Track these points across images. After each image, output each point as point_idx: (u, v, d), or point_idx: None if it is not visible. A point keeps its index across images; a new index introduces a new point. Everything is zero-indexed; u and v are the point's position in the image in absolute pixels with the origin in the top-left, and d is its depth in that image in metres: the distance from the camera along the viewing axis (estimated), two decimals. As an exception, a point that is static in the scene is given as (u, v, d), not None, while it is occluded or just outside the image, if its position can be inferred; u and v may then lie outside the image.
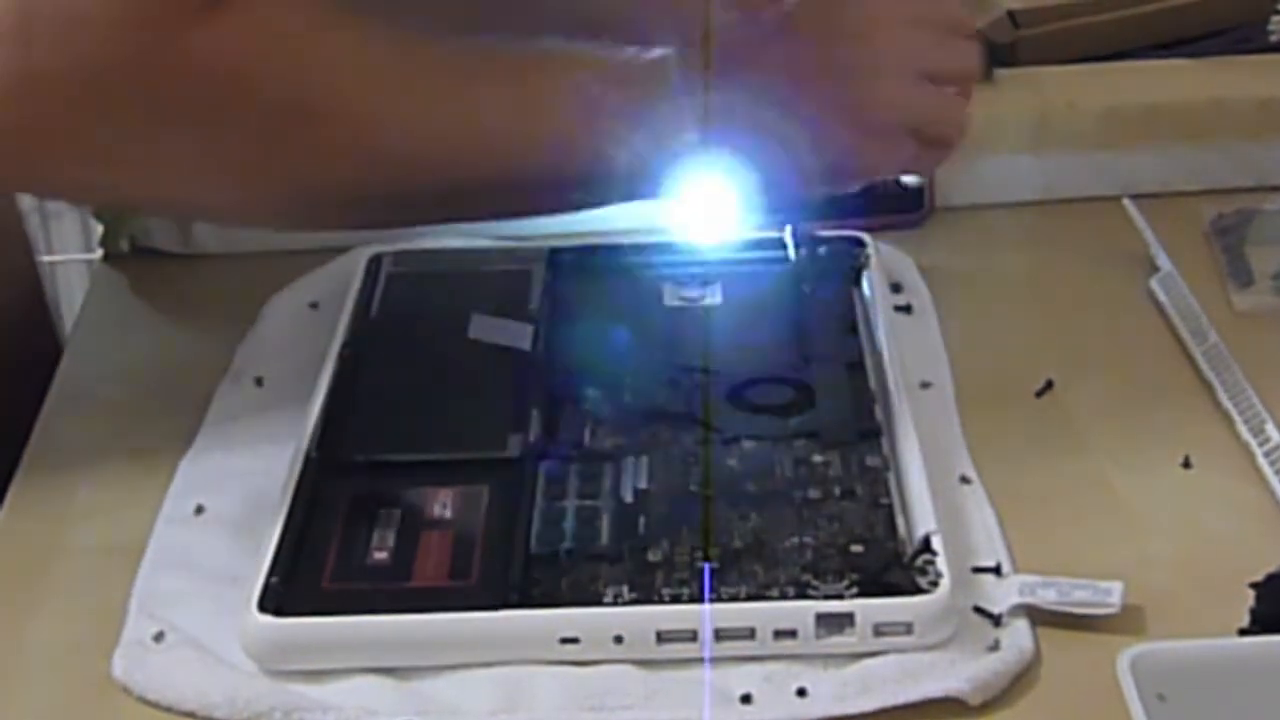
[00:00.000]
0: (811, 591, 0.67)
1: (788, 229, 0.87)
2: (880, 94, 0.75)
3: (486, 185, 0.74)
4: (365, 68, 0.72)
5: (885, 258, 0.89)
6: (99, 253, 0.96)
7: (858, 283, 0.87)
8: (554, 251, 0.89)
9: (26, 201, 1.84)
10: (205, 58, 0.68)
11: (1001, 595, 0.68)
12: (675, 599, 0.67)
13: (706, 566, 0.68)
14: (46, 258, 1.91)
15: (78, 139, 0.70)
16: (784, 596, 0.67)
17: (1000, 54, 1.03)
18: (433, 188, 0.74)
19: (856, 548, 0.69)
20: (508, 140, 0.73)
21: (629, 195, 0.76)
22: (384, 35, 0.72)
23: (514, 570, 0.68)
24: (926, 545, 0.68)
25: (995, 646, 0.66)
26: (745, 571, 0.68)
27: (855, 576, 0.67)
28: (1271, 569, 0.67)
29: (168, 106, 0.69)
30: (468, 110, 0.73)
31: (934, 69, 0.77)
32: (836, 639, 0.66)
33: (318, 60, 0.71)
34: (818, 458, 0.75)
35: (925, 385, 0.81)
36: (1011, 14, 1.04)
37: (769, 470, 0.74)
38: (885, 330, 0.82)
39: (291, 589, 0.68)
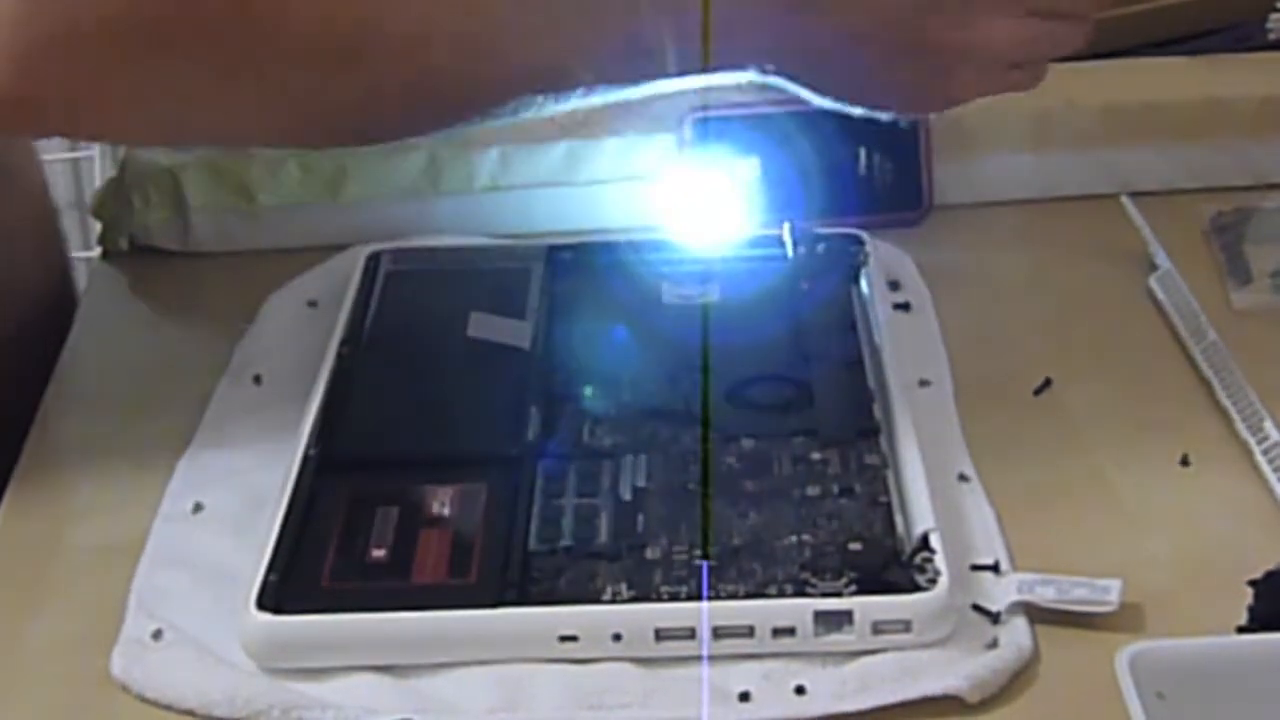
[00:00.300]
0: (810, 589, 0.67)
1: (786, 226, 0.87)
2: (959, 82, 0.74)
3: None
4: None
5: (884, 255, 0.89)
6: (98, 251, 0.96)
7: (856, 281, 0.87)
8: (553, 250, 0.89)
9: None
10: None
11: (1000, 593, 0.68)
12: (674, 597, 0.67)
13: (705, 564, 0.68)
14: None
15: (118, 87, 0.68)
16: (782, 594, 0.67)
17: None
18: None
19: (855, 546, 0.69)
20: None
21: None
22: None
23: (513, 568, 0.68)
24: (925, 543, 0.68)
25: (994, 644, 0.66)
26: (744, 569, 0.68)
27: (854, 574, 0.68)
28: (1270, 567, 0.67)
29: (200, 46, 0.67)
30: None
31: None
32: (835, 637, 0.66)
33: None
34: (816, 456, 0.75)
35: (924, 383, 0.81)
36: (1010, 12, 1.04)
37: (767, 468, 0.74)
38: (884, 328, 0.82)
39: (290, 587, 0.68)
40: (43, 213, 0.96)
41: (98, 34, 0.67)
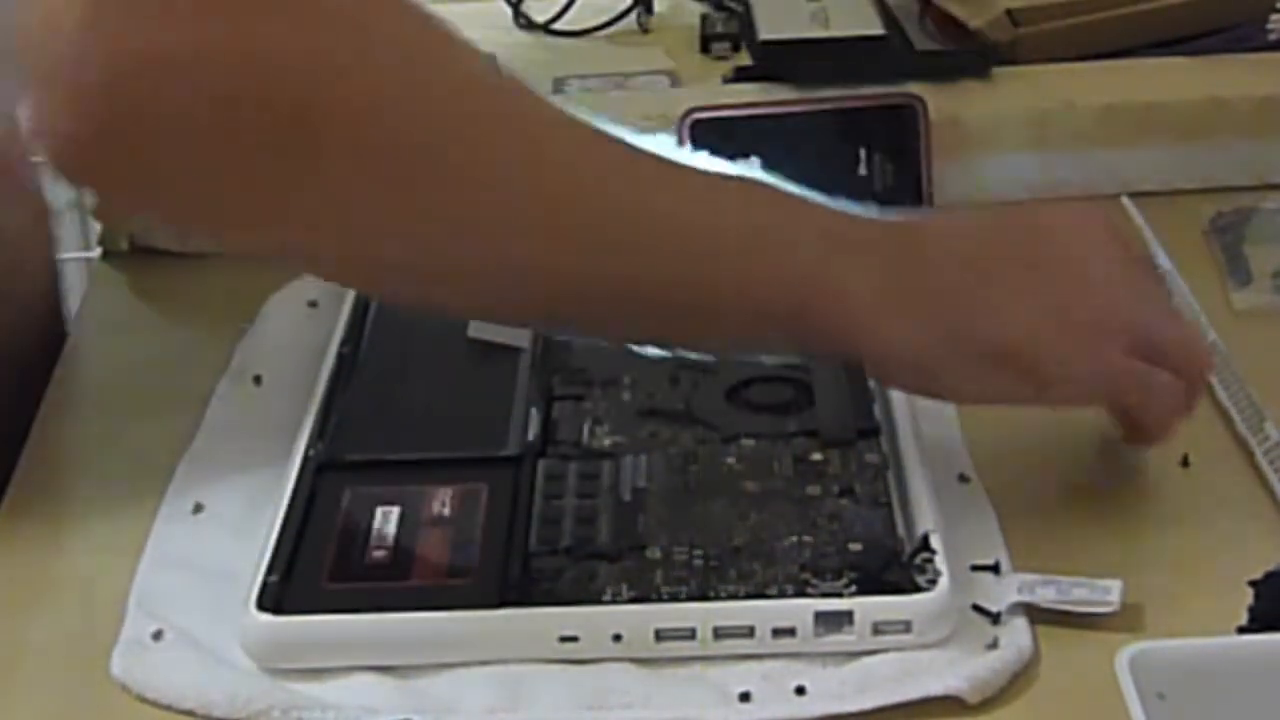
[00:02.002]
0: (810, 590, 0.67)
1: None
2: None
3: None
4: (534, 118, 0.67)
5: (884, 256, 0.89)
6: (98, 251, 0.96)
7: (857, 281, 0.86)
8: (553, 250, 0.89)
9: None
10: (275, 57, 0.62)
11: (1000, 593, 0.68)
12: (674, 597, 0.67)
13: (705, 565, 0.68)
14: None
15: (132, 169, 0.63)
16: (783, 595, 0.67)
17: (999, 52, 1.03)
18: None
19: (855, 546, 0.69)
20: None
21: None
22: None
23: (513, 569, 0.68)
24: (925, 543, 0.68)
25: (994, 645, 0.66)
26: (744, 570, 0.68)
27: (854, 575, 0.67)
28: (1270, 567, 0.67)
29: (229, 118, 0.62)
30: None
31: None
32: (835, 637, 0.66)
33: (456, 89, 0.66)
34: (816, 456, 0.75)
35: (924, 384, 0.81)
36: (1010, 12, 1.04)
37: (768, 469, 0.74)
38: (884, 328, 0.82)
39: (290, 587, 0.68)
40: (41, 214, 0.96)
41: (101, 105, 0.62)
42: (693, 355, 0.76)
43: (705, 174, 0.70)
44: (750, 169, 0.71)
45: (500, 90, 0.67)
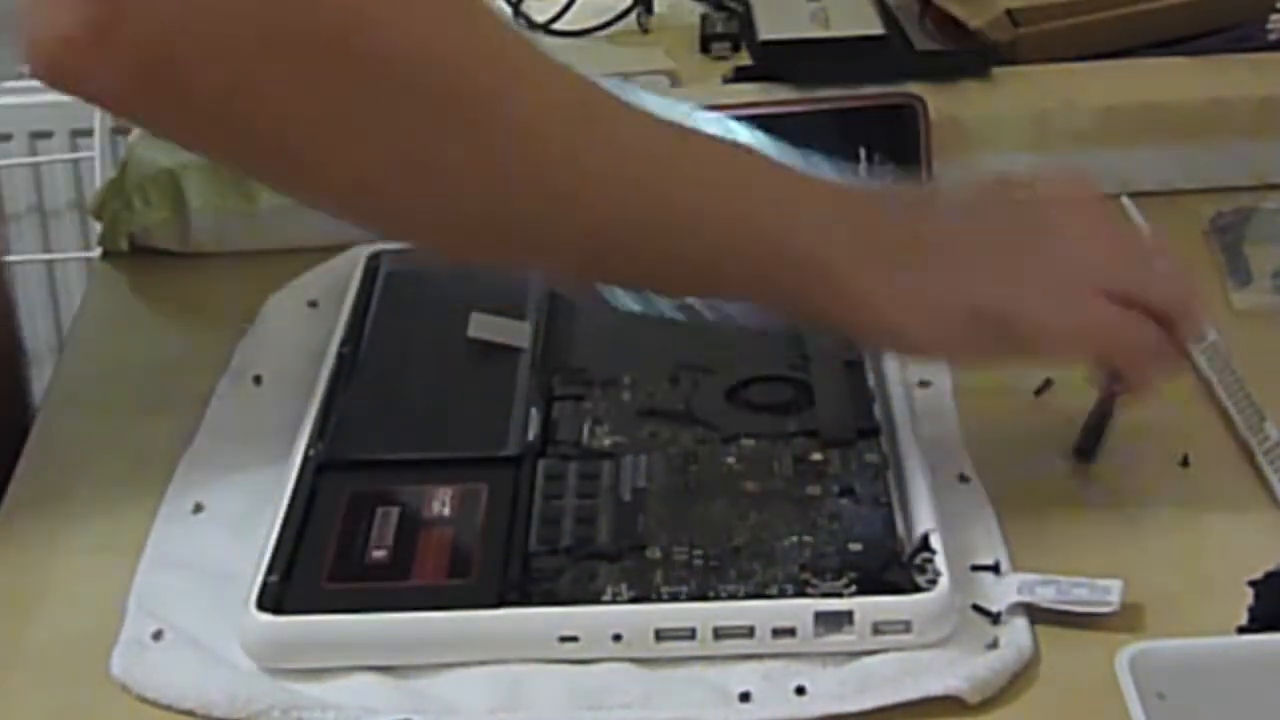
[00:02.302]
0: (810, 590, 0.67)
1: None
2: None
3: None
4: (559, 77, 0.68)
5: (884, 256, 0.89)
6: (98, 251, 0.96)
7: (857, 281, 0.86)
8: (553, 250, 0.89)
9: (21, 202, 1.84)
10: None
11: (1000, 593, 0.68)
12: (674, 597, 0.67)
13: (705, 565, 0.68)
14: (44, 256, 1.92)
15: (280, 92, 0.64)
16: (783, 595, 0.67)
17: (999, 52, 1.03)
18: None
19: (855, 546, 0.69)
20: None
21: None
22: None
23: (513, 569, 0.68)
24: (925, 543, 0.68)
25: (994, 645, 0.66)
26: (744, 570, 0.68)
27: (854, 575, 0.67)
28: (1270, 567, 0.67)
29: (233, 15, 0.63)
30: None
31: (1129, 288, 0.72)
32: (835, 637, 0.66)
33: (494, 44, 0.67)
34: (816, 456, 0.74)
35: (924, 384, 0.81)
36: (1010, 12, 1.04)
37: (768, 469, 0.74)
38: (884, 328, 0.82)
39: (290, 587, 0.68)
40: None
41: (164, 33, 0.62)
42: (664, 302, 0.75)
43: (678, 128, 0.70)
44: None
45: (505, 45, 0.68)
